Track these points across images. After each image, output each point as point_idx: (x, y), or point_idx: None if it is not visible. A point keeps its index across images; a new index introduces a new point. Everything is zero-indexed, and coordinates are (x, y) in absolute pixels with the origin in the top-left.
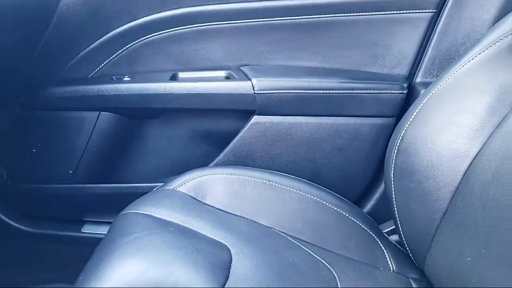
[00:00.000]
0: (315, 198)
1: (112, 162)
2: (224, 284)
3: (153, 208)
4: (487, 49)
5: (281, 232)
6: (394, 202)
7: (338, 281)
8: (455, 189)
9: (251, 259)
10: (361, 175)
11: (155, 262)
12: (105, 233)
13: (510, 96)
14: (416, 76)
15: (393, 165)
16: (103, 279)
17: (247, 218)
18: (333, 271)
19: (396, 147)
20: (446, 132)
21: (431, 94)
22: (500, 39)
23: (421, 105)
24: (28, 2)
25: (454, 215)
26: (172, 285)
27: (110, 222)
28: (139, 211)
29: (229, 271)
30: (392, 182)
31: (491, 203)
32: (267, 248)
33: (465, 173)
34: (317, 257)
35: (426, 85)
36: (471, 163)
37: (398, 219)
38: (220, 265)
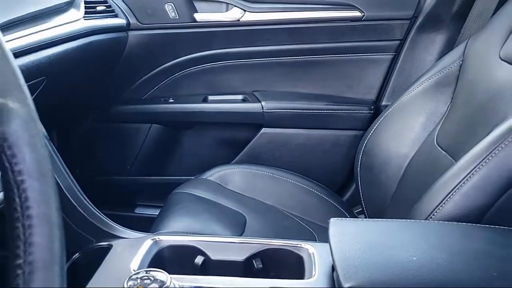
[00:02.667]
0: (305, 186)
1: (158, 160)
2: (242, 234)
3: (194, 189)
4: (422, 84)
5: (280, 208)
6: (360, 190)
7: (317, 239)
8: (399, 179)
9: (259, 222)
10: (340, 171)
11: (198, 219)
12: (153, 213)
13: (435, 117)
14: (381, 100)
15: (359, 163)
16: (167, 228)
17: (256, 199)
18: (315, 234)
19: (362, 151)
20: (394, 141)
21: (385, 114)
22: (431, 78)
23: (379, 122)
24: (105, 47)
25: (397, 196)
26: (210, 232)
27: (156, 206)
28: (185, 191)
29: (245, 228)
30: (359, 176)
31: (419, 185)
32: (269, 217)
33: (406, 168)
34: (304, 224)
35: None
36: (410, 161)
37: (363, 202)
38: (239, 224)
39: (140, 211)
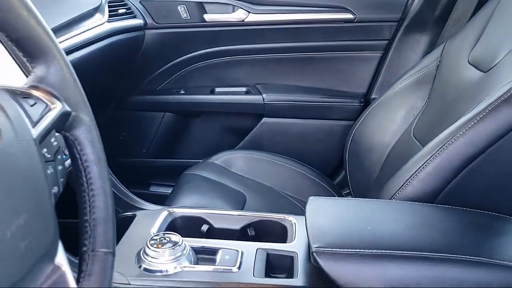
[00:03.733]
0: (300, 170)
1: (170, 145)
2: (242, 209)
3: (202, 171)
4: (405, 81)
5: (277, 189)
6: (348, 174)
7: None
8: (381, 165)
9: (257, 201)
10: (332, 157)
11: (205, 197)
12: (165, 191)
13: (414, 111)
14: (371, 93)
15: (348, 150)
16: (179, 203)
17: (256, 180)
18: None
19: (350, 139)
20: (378, 131)
21: (372, 107)
22: (413, 76)
23: (366, 114)
24: (126, 45)
25: (378, 180)
26: (214, 207)
27: (168, 185)
28: (194, 172)
29: (244, 205)
30: (347, 161)
31: (394, 171)
32: (267, 197)
33: (387, 155)
34: (297, 203)
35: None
36: (390, 149)
37: (350, 185)
38: (239, 201)
39: (154, 189)
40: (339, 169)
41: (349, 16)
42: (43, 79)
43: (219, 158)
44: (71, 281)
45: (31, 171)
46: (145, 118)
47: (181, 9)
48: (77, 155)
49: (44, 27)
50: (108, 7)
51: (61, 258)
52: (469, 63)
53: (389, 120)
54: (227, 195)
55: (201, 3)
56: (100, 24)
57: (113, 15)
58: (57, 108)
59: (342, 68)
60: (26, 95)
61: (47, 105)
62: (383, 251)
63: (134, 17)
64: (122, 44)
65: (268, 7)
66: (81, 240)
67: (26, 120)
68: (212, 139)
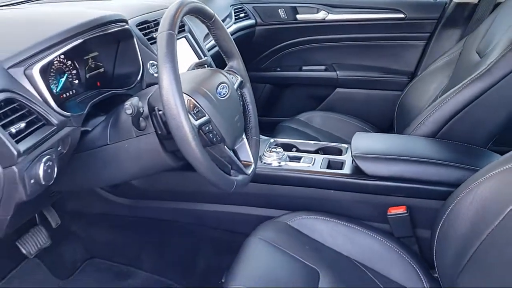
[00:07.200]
0: (361, 126)
1: (270, 106)
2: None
3: (291, 124)
4: (437, 63)
5: (344, 138)
6: (395, 129)
7: None
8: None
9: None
10: (387, 118)
11: (292, 137)
12: (265, 137)
13: (441, 85)
14: (417, 71)
15: (396, 113)
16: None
17: (329, 131)
18: None
19: (398, 104)
20: (417, 99)
21: (414, 81)
22: (443, 59)
23: (409, 86)
24: (243, 39)
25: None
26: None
27: (267, 135)
28: (285, 125)
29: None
30: (395, 121)
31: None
32: (335, 141)
33: (421, 115)
34: None
35: None
36: (423, 111)
37: None
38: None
39: None
40: (392, 127)
41: (401, 15)
42: (232, 67)
43: (303, 116)
44: (247, 145)
45: (238, 102)
46: (255, 88)
47: (280, 11)
48: (244, 99)
49: (232, 42)
50: (234, 13)
51: (244, 134)
52: (476, 52)
53: (425, 91)
54: (308, 139)
55: (294, 7)
56: (230, 26)
57: (237, 18)
58: (239, 79)
59: (396, 52)
60: (229, 73)
61: (236, 78)
62: (391, 156)
63: (249, 18)
64: (242, 38)
65: (342, 9)
66: (246, 133)
67: (232, 82)
68: (298, 103)
